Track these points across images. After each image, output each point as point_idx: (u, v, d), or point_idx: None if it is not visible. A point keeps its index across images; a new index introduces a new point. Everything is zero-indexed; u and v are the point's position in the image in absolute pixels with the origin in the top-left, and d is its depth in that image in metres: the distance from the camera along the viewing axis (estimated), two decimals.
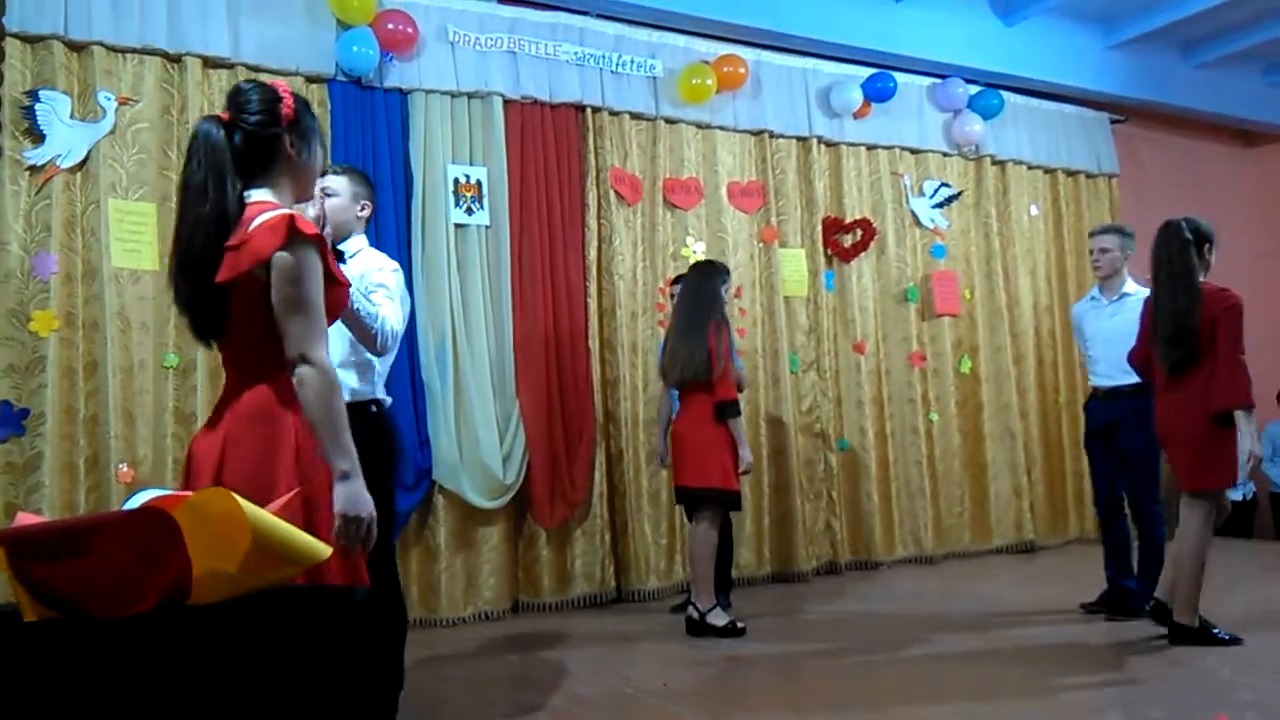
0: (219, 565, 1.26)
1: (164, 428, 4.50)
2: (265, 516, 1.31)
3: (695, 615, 4.49)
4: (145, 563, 1.21)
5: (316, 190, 2.74)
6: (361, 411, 2.91)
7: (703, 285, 4.60)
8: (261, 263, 1.91)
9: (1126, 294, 4.71)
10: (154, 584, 1.22)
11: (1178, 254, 4.00)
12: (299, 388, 1.93)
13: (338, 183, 3.18)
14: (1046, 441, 7.21)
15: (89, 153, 4.44)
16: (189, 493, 1.40)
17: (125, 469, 4.36)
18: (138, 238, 4.53)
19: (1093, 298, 4.91)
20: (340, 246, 3.15)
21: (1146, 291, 4.37)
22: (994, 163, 7.20)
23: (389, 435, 3.16)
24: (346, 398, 2.05)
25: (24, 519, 1.39)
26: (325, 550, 1.37)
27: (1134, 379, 4.44)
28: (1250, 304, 4.08)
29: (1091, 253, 4.86)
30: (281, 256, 1.91)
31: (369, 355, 3.04)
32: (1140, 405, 4.44)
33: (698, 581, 4.51)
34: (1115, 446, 4.63)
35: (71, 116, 4.42)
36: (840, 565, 6.18)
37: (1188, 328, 3.91)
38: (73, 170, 4.42)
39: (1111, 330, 4.61)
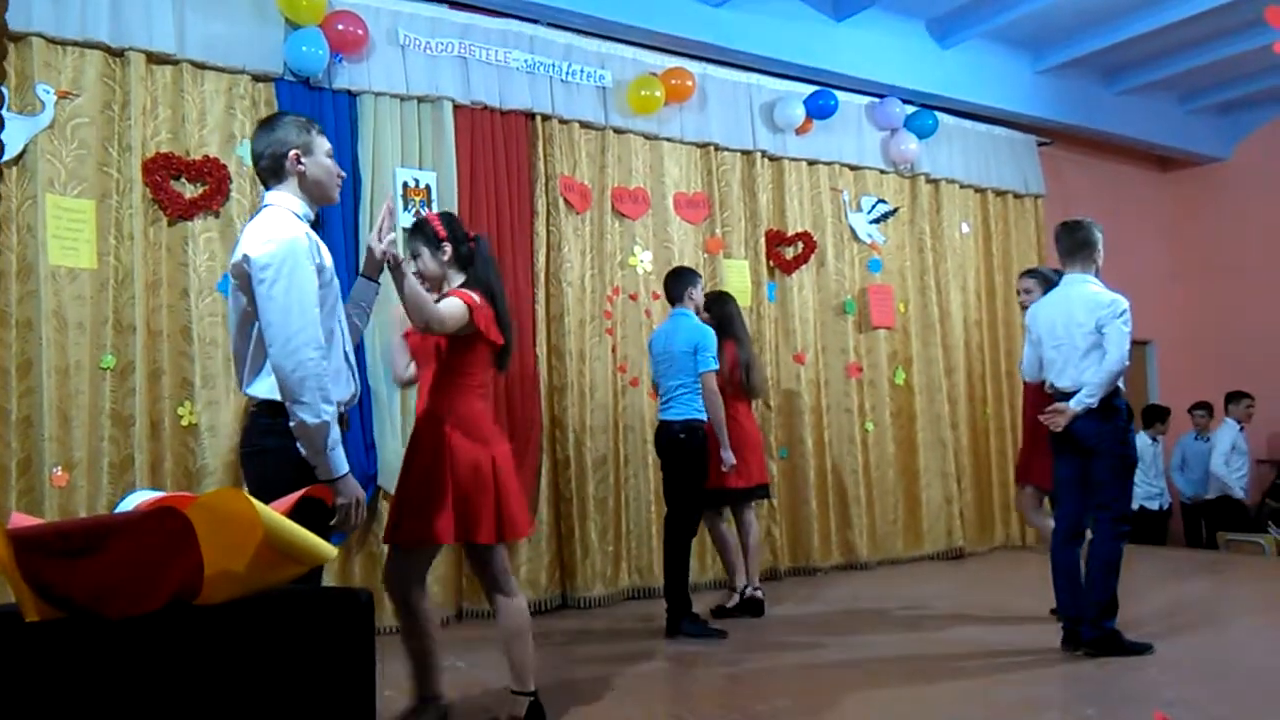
0: (229, 565, 1.26)
1: (100, 430, 4.38)
2: (275, 516, 1.32)
3: (761, 596, 5.07)
4: (160, 562, 1.21)
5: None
6: None
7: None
8: None
9: None
10: (167, 584, 1.22)
11: None
12: None
13: None
14: (976, 451, 7.45)
15: (26, 147, 4.31)
16: (189, 494, 1.39)
17: (59, 472, 4.23)
18: (76, 235, 4.41)
19: None
20: None
21: None
22: (928, 181, 7.43)
23: None
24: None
25: (19, 519, 1.37)
26: (331, 550, 1.38)
27: None
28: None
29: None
30: None
31: None
32: None
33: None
34: None
35: (8, 109, 4.28)
36: (780, 571, 6.29)
37: None
38: (8, 164, 4.27)
39: None
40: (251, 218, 2.66)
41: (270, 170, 2.64)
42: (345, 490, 2.43)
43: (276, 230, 2.48)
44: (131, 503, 1.44)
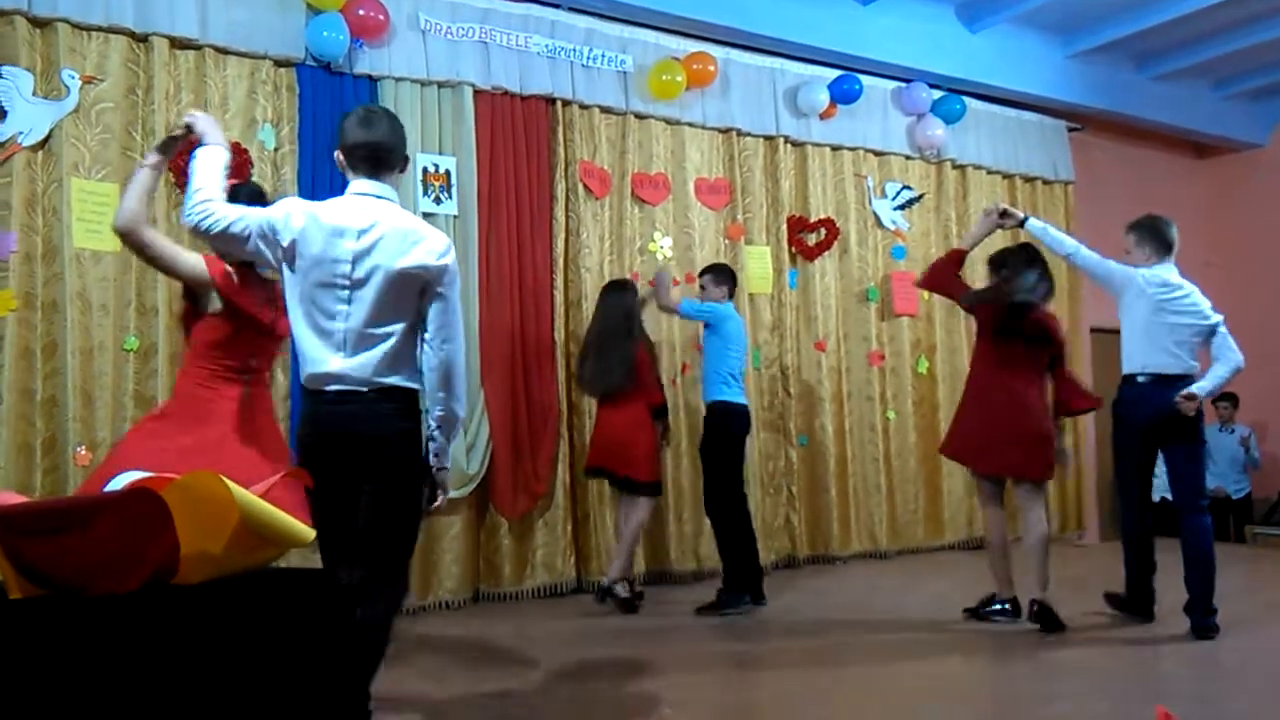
0: (206, 546, 1.28)
1: (124, 411, 4.46)
2: (251, 499, 1.34)
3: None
4: (136, 542, 1.23)
5: None
6: None
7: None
8: None
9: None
10: (143, 563, 1.24)
11: None
12: None
13: None
14: None
15: (51, 131, 4.38)
16: (172, 475, 1.41)
17: (83, 451, 4.31)
18: (100, 218, 4.46)
19: None
20: None
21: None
22: (954, 167, 7.33)
23: None
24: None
25: (4, 497, 1.40)
26: (309, 533, 1.40)
27: None
28: None
29: None
30: None
31: None
32: None
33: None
34: None
35: (34, 94, 4.35)
36: (798, 559, 6.28)
37: None
38: (34, 148, 4.35)
39: None
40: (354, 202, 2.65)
41: (389, 165, 2.70)
42: (448, 478, 2.65)
43: (444, 236, 2.69)
44: (120, 483, 1.47)
